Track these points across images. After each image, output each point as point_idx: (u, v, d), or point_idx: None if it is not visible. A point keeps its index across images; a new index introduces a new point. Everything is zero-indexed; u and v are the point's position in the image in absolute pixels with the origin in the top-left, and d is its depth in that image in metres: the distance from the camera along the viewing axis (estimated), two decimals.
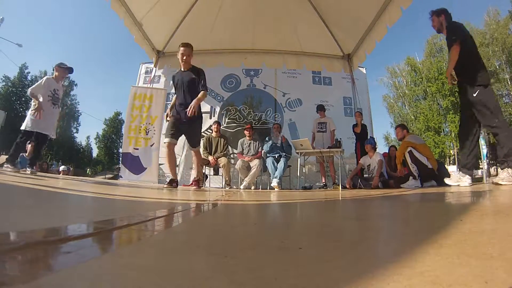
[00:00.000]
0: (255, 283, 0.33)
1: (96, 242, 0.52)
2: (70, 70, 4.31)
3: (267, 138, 5.19)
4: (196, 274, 0.36)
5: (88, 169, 34.10)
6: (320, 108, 5.47)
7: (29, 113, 3.90)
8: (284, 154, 4.92)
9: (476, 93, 2.63)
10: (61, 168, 10.38)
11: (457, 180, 2.83)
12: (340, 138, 5.01)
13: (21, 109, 28.98)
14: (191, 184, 3.69)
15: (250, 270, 0.38)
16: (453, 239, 0.53)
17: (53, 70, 4.24)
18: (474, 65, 2.73)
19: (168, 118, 3.35)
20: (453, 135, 22.64)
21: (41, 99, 3.86)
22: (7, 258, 0.36)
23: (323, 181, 5.26)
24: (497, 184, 2.43)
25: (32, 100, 3.93)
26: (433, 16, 3.07)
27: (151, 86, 6.16)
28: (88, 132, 62.20)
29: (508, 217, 0.79)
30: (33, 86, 4.01)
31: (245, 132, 5.18)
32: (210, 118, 6.57)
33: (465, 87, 2.74)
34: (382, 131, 29.57)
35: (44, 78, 4.06)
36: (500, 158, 2.56)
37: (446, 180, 3.04)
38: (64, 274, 0.33)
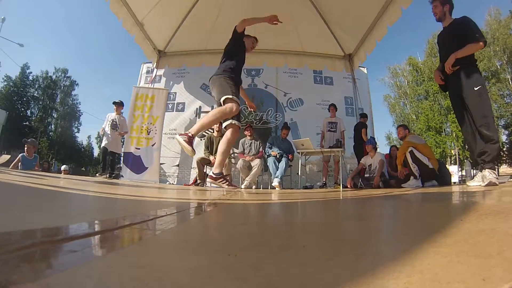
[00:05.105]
0: (258, 280, 0.34)
1: (100, 241, 0.53)
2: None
3: (269, 143, 5.17)
4: (200, 271, 0.37)
5: (89, 168, 34.18)
6: (332, 106, 5.45)
7: None
8: (285, 153, 4.92)
9: (478, 87, 2.50)
10: (63, 167, 10.52)
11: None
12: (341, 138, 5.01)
13: (22, 109, 29.10)
14: (192, 183, 3.70)
15: (253, 267, 0.38)
16: (453, 239, 0.53)
17: None
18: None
19: None
20: (454, 135, 22.57)
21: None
22: (14, 257, 0.37)
23: (324, 180, 5.27)
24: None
25: None
26: (437, 2, 2.78)
27: (152, 86, 6.18)
28: (89, 132, 62.19)
29: (507, 217, 0.80)
30: None
31: (245, 132, 5.18)
32: None
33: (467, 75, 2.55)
34: (384, 130, 29.61)
35: None
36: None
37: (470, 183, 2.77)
38: (72, 272, 0.34)
